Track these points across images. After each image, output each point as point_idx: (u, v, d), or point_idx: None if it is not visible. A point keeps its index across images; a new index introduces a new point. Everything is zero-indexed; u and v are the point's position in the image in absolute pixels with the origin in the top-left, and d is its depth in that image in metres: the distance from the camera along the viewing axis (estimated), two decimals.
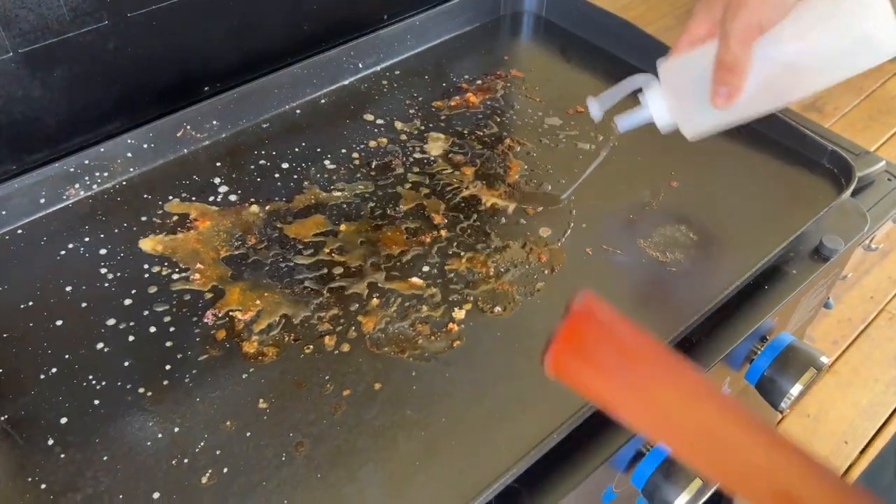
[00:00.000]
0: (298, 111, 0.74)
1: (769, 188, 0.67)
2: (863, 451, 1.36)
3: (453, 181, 0.67)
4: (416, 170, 0.68)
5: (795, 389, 0.62)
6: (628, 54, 0.81)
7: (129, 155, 0.66)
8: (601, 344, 0.40)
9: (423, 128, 0.72)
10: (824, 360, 0.63)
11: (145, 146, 0.67)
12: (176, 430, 0.49)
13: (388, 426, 0.50)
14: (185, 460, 0.48)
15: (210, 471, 0.47)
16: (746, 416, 0.37)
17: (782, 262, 0.64)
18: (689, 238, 0.62)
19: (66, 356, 0.53)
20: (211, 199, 0.65)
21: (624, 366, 0.39)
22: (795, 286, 0.63)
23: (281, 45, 0.80)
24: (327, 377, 0.52)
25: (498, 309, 0.57)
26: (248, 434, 0.49)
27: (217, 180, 0.66)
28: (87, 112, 0.72)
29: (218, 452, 0.48)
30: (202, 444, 0.49)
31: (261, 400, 0.51)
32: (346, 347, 0.54)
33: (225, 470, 0.47)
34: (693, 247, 0.62)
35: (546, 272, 0.60)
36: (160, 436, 0.49)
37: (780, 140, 0.71)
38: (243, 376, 0.52)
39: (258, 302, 0.57)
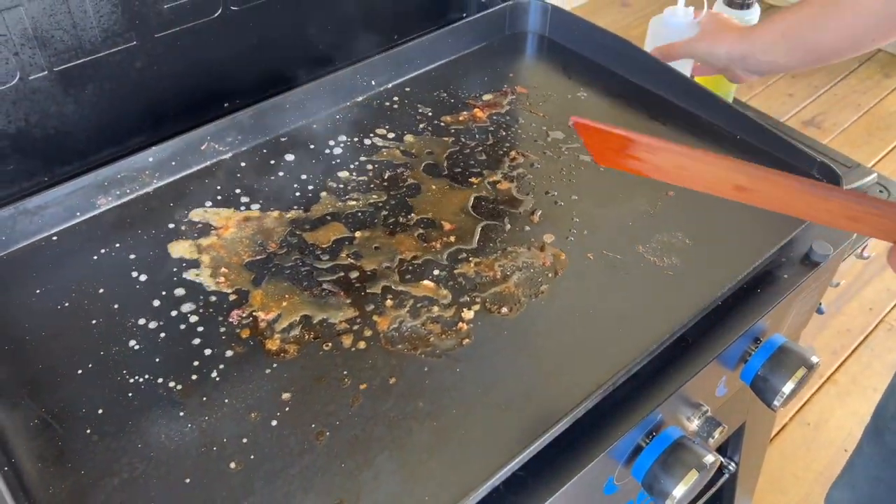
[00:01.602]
0: (314, 126, 0.78)
1: None
2: None
3: (461, 191, 0.71)
4: (426, 180, 0.72)
5: (787, 387, 0.65)
6: (628, 71, 0.85)
7: (157, 167, 0.70)
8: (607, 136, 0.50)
9: (432, 141, 0.76)
10: (815, 359, 0.66)
11: (171, 159, 0.71)
12: (205, 420, 0.53)
13: (402, 417, 0.53)
14: (214, 448, 0.51)
15: (237, 458, 0.51)
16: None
17: (774, 267, 0.67)
18: (685, 244, 0.66)
19: (101, 353, 0.57)
20: (233, 208, 0.69)
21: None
22: (786, 290, 0.66)
23: (297, 63, 0.85)
24: (345, 372, 0.56)
25: (504, 310, 0.61)
26: (272, 424, 0.53)
27: (238, 190, 0.70)
28: (116, 127, 0.76)
29: (244, 441, 0.52)
30: (229, 433, 0.52)
31: (283, 393, 0.54)
32: (362, 345, 0.58)
33: (251, 457, 0.51)
34: (689, 252, 0.65)
35: (550, 275, 0.63)
36: (190, 426, 0.53)
37: (772, 152, 0.75)
38: (266, 371, 0.56)
39: (280, 303, 0.60)
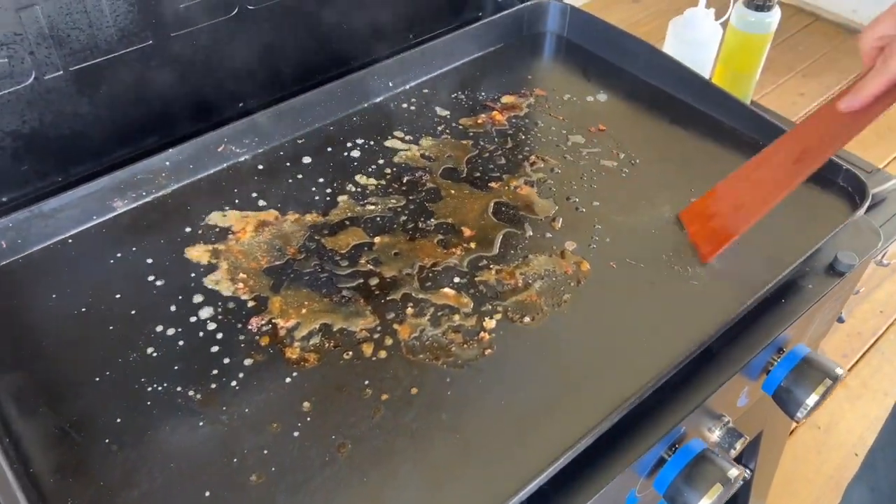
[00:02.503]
0: (332, 128, 0.77)
1: (786, 206, 0.70)
2: None
3: (481, 196, 0.70)
4: (445, 185, 0.71)
5: (811, 399, 0.65)
6: (647, 74, 0.84)
7: (173, 169, 0.69)
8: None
9: (450, 144, 0.75)
10: (839, 371, 0.65)
11: (188, 161, 0.70)
12: (225, 430, 0.52)
13: (424, 429, 0.52)
14: (235, 459, 0.51)
15: (258, 470, 0.50)
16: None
17: (798, 276, 0.67)
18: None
19: (119, 360, 0.56)
20: (251, 211, 0.68)
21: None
22: (811, 300, 0.65)
23: (313, 64, 0.84)
24: (366, 382, 0.55)
25: (527, 319, 0.60)
26: (294, 435, 0.52)
27: (255, 194, 0.69)
28: (130, 127, 0.75)
29: (265, 452, 0.51)
30: (250, 444, 0.51)
31: (304, 403, 0.54)
32: (382, 354, 0.57)
33: (272, 469, 0.50)
34: (713, 262, 0.64)
35: (572, 284, 0.62)
36: (210, 436, 0.52)
37: None
38: (286, 381, 0.55)
39: (299, 310, 0.59)
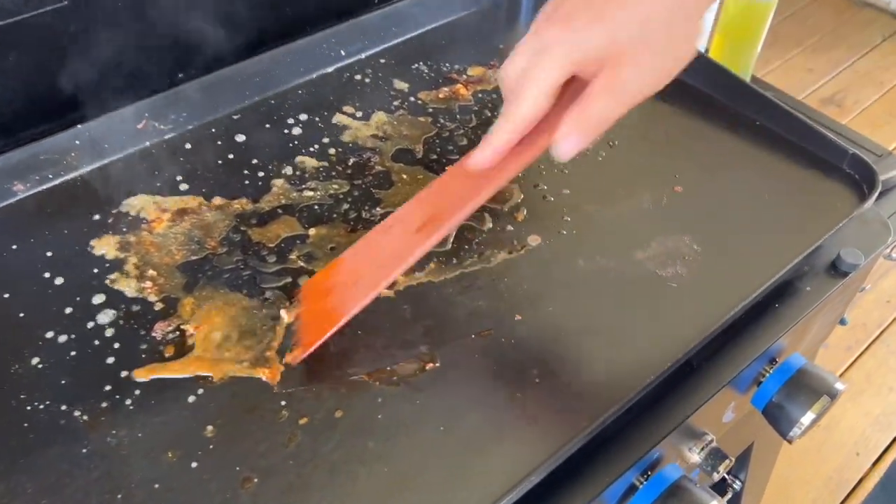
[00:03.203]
0: (273, 101, 0.68)
1: (782, 195, 0.62)
2: (875, 463, 1.30)
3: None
4: (397, 168, 0.63)
5: (807, 418, 0.57)
6: None
7: (84, 148, 0.61)
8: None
9: (406, 122, 0.67)
10: (839, 386, 0.57)
11: (102, 139, 0.61)
12: (112, 459, 0.44)
13: (347, 460, 0.44)
14: (119, 495, 0.43)
15: None
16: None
17: (796, 277, 0.58)
18: (692, 250, 0.57)
19: None
20: (171, 197, 0.59)
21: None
22: (810, 304, 0.57)
23: (261, 29, 0.75)
24: (283, 403, 0.47)
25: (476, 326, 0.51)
26: (192, 466, 0.44)
27: (179, 177, 0.61)
28: (47, 101, 0.66)
29: (156, 486, 0.43)
30: (139, 476, 0.44)
31: (208, 427, 0.46)
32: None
33: None
34: (696, 260, 0.56)
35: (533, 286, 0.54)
36: (94, 466, 0.44)
37: (795, 141, 0.65)
38: (190, 400, 0.47)
39: (213, 315, 0.51)
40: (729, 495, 0.85)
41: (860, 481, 1.28)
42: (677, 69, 0.42)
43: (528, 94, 0.40)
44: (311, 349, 0.48)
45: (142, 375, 0.48)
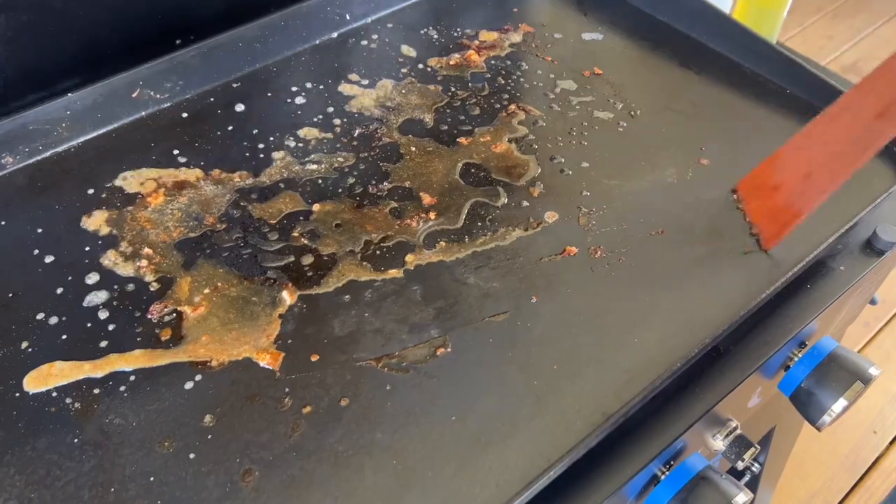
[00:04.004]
0: (274, 69, 0.64)
1: None
2: (893, 442, 1.28)
3: (447, 154, 0.58)
4: (405, 140, 0.59)
5: (838, 405, 0.54)
6: (653, 7, 0.71)
7: (76, 118, 0.58)
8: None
9: (415, 90, 0.63)
10: (874, 371, 0.54)
11: (95, 109, 0.58)
12: (105, 449, 0.42)
13: (353, 453, 0.42)
14: (112, 489, 0.40)
15: (140, 502, 0.40)
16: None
17: (828, 256, 0.55)
18: (720, 228, 0.53)
19: None
20: (168, 170, 0.56)
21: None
22: (844, 285, 0.53)
23: None
24: (286, 390, 0.44)
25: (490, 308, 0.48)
26: (190, 457, 0.42)
27: (176, 150, 0.58)
28: (42, 67, 0.63)
29: (151, 479, 0.41)
30: (133, 468, 0.41)
31: (206, 416, 0.43)
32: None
33: (158, 502, 0.40)
34: (723, 238, 0.53)
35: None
36: (85, 457, 0.41)
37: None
38: (187, 386, 0.44)
39: (211, 295, 0.48)
40: (747, 478, 0.83)
41: (877, 460, 1.25)
42: None
43: None
44: (779, 241, 0.51)
45: (133, 363, 0.45)
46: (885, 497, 1.15)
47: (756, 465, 0.83)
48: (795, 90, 0.63)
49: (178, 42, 0.68)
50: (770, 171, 0.52)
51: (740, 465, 0.56)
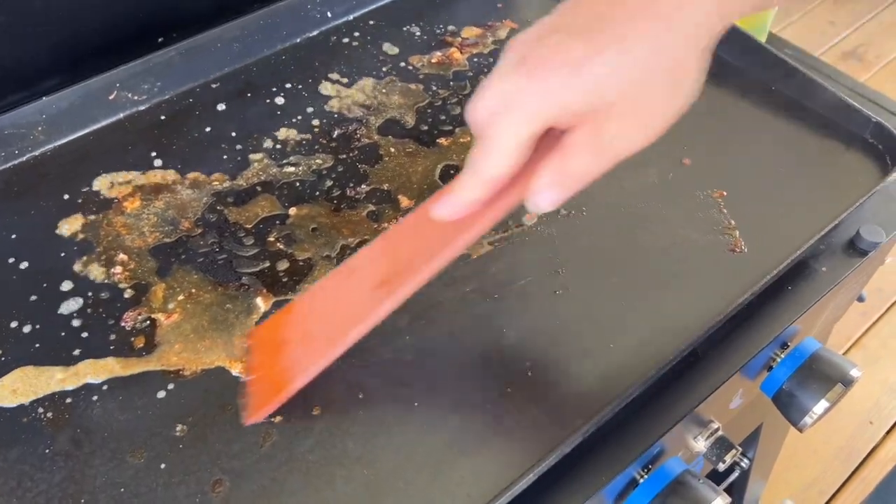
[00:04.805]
0: (254, 69, 0.64)
1: (799, 167, 0.57)
2: (889, 432, 1.28)
3: (427, 155, 0.58)
4: (385, 141, 0.59)
5: (820, 407, 0.53)
6: None
7: (52, 122, 0.57)
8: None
9: (396, 89, 0.62)
10: (855, 373, 0.54)
11: (71, 112, 0.58)
12: (75, 460, 0.42)
13: (324, 463, 0.42)
14: (82, 500, 0.40)
15: None
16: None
17: (811, 257, 0.54)
18: (700, 229, 0.53)
19: None
20: (143, 174, 0.56)
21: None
22: (826, 286, 0.53)
23: None
24: None
25: (466, 314, 0.48)
26: (161, 467, 0.42)
27: (153, 152, 0.57)
28: (21, 67, 0.62)
29: (122, 491, 0.41)
30: (104, 479, 0.41)
31: (178, 426, 0.43)
32: None
33: None
34: (704, 241, 0.52)
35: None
36: (56, 468, 0.41)
37: (813, 107, 0.60)
38: (159, 395, 0.44)
39: (185, 303, 0.48)
40: (736, 473, 0.83)
41: (872, 450, 1.25)
42: (674, 119, 0.36)
43: (497, 147, 0.35)
44: (263, 415, 0.43)
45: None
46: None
47: (745, 460, 0.83)
48: (780, 86, 0.62)
49: (159, 41, 0.68)
50: (280, 323, 0.46)
51: (722, 467, 0.55)
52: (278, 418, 0.43)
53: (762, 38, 0.76)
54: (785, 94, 0.62)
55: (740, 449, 0.55)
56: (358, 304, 0.41)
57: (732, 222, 0.53)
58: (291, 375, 0.42)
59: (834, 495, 1.21)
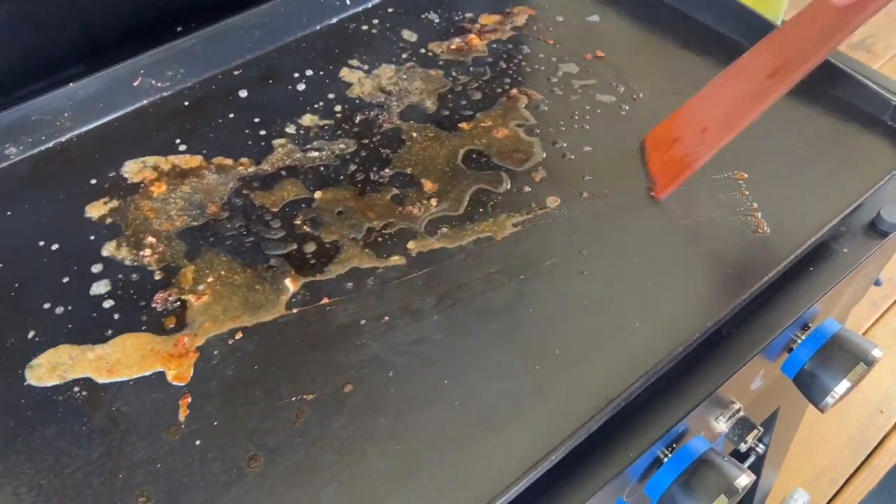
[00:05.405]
0: (275, 56, 0.64)
1: (818, 150, 0.58)
2: None
3: (449, 140, 0.58)
4: (406, 126, 0.59)
5: (842, 387, 0.54)
6: None
7: (78, 108, 0.58)
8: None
9: (416, 75, 0.63)
10: (876, 353, 0.54)
11: (97, 98, 0.58)
12: (112, 437, 0.42)
13: (357, 438, 0.42)
14: (120, 475, 0.41)
15: (146, 488, 0.40)
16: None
17: (832, 238, 0.55)
18: (723, 211, 0.53)
19: None
20: (169, 159, 0.56)
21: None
22: (847, 267, 0.53)
23: None
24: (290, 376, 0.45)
25: (493, 295, 0.49)
26: (196, 444, 0.42)
27: (178, 139, 0.58)
28: (44, 55, 0.63)
29: (158, 466, 0.41)
30: (141, 455, 0.42)
31: (212, 402, 0.44)
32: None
33: (165, 489, 0.40)
34: (726, 222, 0.53)
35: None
36: (94, 445, 0.42)
37: (831, 91, 0.61)
38: (192, 374, 0.45)
39: (214, 284, 0.49)
40: (752, 459, 0.83)
41: (883, 439, 1.26)
42: None
43: None
44: (669, 191, 0.52)
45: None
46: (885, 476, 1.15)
47: (761, 445, 0.84)
48: None
49: (178, 30, 0.68)
50: (672, 125, 0.55)
51: (743, 447, 0.56)
52: (310, 395, 0.44)
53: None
54: (804, 79, 0.62)
55: (761, 430, 0.56)
56: (751, 94, 0.49)
57: (755, 204, 0.53)
58: (690, 161, 0.51)
59: (845, 484, 1.21)
